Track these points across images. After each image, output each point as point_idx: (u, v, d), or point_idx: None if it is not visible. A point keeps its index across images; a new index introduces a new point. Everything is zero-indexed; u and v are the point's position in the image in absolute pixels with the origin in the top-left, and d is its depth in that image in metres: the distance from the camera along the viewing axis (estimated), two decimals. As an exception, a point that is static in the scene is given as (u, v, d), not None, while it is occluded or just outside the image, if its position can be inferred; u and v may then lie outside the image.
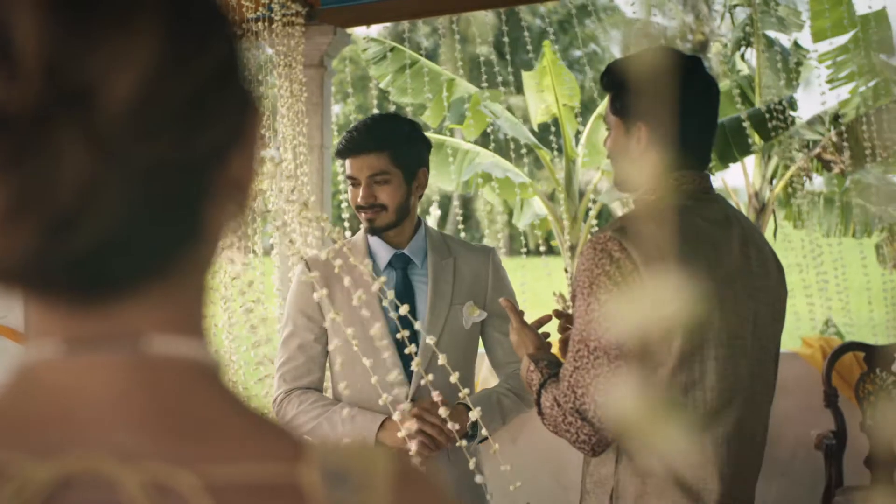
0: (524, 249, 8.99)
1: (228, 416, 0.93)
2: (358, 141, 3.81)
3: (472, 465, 3.51)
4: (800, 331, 9.34)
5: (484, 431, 3.64)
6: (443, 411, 3.62)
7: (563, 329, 3.25)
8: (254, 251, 5.48)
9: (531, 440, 6.52)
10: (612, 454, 2.92)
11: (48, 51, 0.84)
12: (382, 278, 3.36)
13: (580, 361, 2.83)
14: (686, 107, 2.96)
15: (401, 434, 3.68)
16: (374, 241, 3.89)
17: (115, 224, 0.85)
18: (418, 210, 3.94)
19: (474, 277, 3.88)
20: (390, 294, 3.62)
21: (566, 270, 8.62)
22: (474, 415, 3.55)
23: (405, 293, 3.83)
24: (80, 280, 0.88)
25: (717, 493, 2.93)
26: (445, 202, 31.50)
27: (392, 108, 8.60)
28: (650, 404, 2.90)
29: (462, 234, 8.31)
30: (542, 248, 8.48)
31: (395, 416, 3.58)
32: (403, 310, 3.30)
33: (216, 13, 0.94)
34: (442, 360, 3.54)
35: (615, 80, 3.05)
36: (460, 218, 8.53)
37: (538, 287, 11.69)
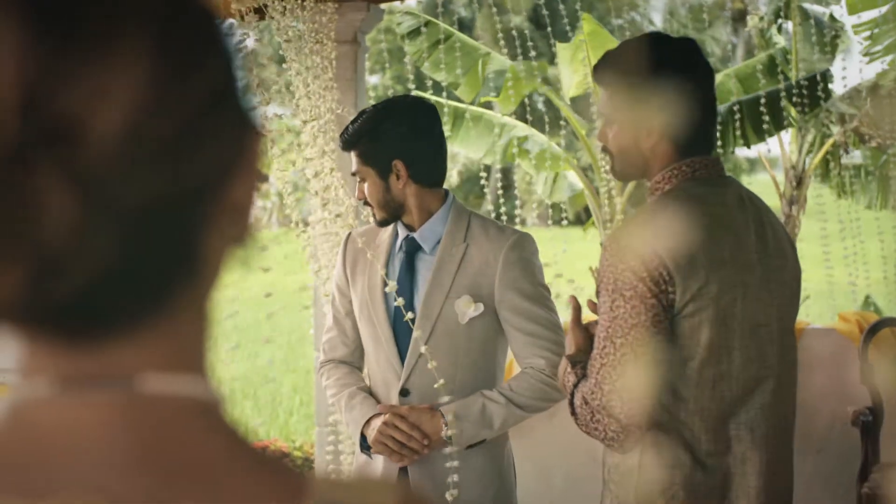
0: (563, 220, 8.99)
1: (226, 457, 0.90)
2: (340, 140, 3.85)
3: (450, 479, 3.53)
4: (836, 304, 9.29)
5: (453, 441, 3.62)
6: (401, 424, 3.66)
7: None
8: (295, 223, 5.50)
9: (568, 416, 6.50)
10: (637, 445, 2.91)
11: (28, 83, 0.79)
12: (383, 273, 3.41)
13: (606, 359, 2.81)
14: (689, 92, 2.94)
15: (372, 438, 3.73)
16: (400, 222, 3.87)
17: (104, 265, 0.82)
18: (438, 193, 3.82)
19: (483, 267, 3.74)
20: (391, 284, 3.64)
21: (602, 245, 8.58)
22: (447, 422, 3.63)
23: (406, 280, 3.80)
24: (71, 321, 0.85)
25: (749, 479, 2.93)
26: (485, 174, 31.45)
27: (428, 82, 8.55)
28: (677, 399, 2.90)
29: (501, 207, 8.28)
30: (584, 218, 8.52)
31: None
32: (399, 301, 3.30)
33: (211, 29, 0.90)
34: (431, 364, 3.58)
35: (613, 74, 3.02)
36: (500, 191, 8.50)
37: (574, 258, 11.67)
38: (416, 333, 3.73)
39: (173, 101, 0.84)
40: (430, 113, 3.85)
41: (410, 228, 3.82)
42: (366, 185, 3.79)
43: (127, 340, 0.87)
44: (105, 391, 0.87)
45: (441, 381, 3.60)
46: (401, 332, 3.78)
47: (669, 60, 2.94)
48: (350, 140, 3.79)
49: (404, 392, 3.76)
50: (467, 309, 3.70)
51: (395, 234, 3.88)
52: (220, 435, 0.91)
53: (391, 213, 3.80)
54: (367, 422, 3.77)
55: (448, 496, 3.63)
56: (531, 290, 3.73)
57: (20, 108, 0.79)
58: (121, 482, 0.85)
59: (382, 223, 3.84)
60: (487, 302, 3.71)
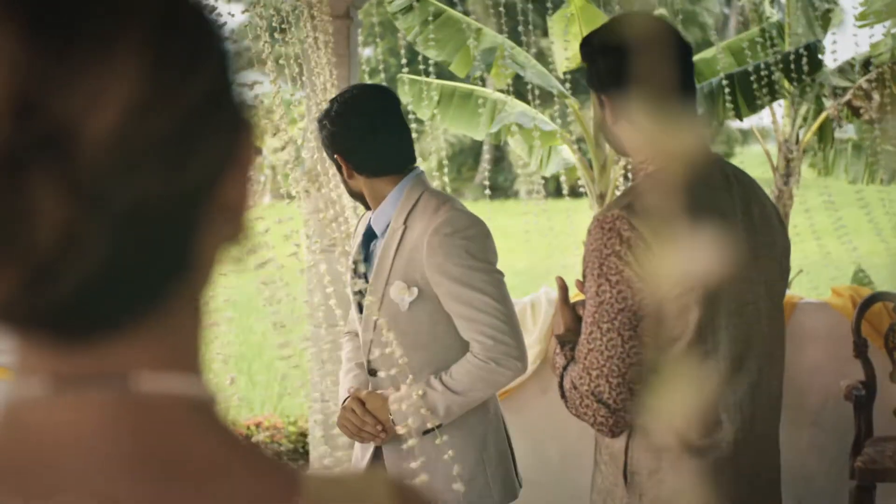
0: (542, 192, 8.99)
1: (220, 455, 0.90)
2: None
3: (415, 464, 3.55)
4: (830, 277, 9.29)
5: (401, 429, 3.63)
6: (357, 409, 3.78)
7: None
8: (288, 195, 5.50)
9: (560, 391, 6.50)
10: (626, 429, 2.92)
11: (21, 86, 0.80)
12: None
13: (593, 344, 2.81)
14: (654, 74, 2.93)
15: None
16: None
17: (98, 267, 0.82)
18: (391, 179, 3.81)
19: (413, 251, 3.71)
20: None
21: (588, 229, 8.56)
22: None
23: (363, 265, 3.84)
24: (65, 321, 0.85)
25: (740, 459, 2.93)
26: (477, 147, 31.41)
27: (421, 57, 8.53)
28: (664, 381, 2.90)
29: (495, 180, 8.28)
30: (582, 190, 8.53)
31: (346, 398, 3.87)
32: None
33: (206, 32, 0.90)
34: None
35: (586, 55, 3.04)
36: (491, 164, 8.49)
37: (567, 230, 11.67)
38: (363, 320, 3.82)
39: (167, 105, 0.84)
40: (367, 103, 3.84)
41: None
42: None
43: (121, 340, 0.88)
44: (99, 390, 0.87)
45: (395, 369, 3.61)
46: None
47: (634, 41, 2.94)
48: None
49: (372, 372, 3.84)
50: (403, 295, 3.70)
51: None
52: (215, 433, 0.91)
53: (359, 200, 3.90)
54: (345, 400, 3.88)
55: (418, 478, 3.65)
56: (459, 273, 3.65)
57: (14, 112, 0.79)
58: (114, 481, 0.85)
59: (366, 208, 3.93)
60: (423, 286, 3.70)
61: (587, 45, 3.05)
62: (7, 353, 0.90)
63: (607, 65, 2.96)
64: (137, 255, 0.84)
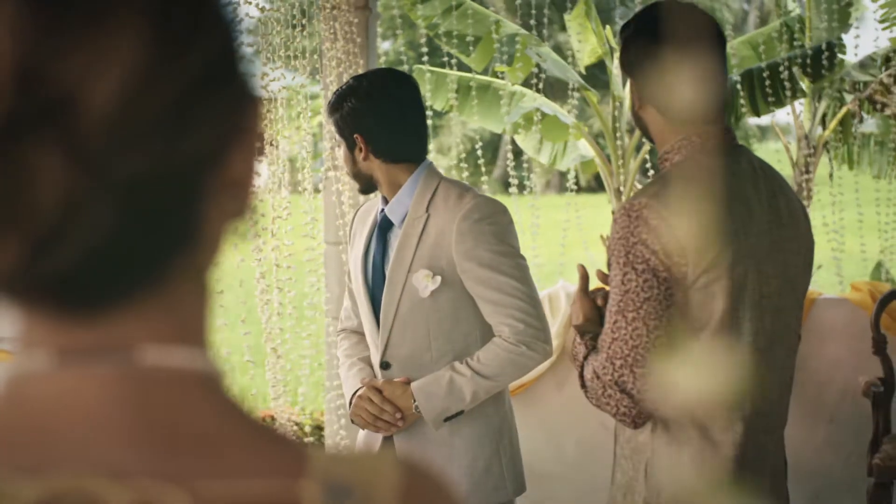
0: (574, 187, 8.98)
1: (226, 429, 0.89)
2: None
3: (429, 454, 3.52)
4: (853, 273, 9.25)
5: (423, 416, 3.66)
6: (374, 398, 3.74)
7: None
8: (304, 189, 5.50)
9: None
10: (649, 422, 2.90)
11: (23, 55, 0.80)
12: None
13: (618, 333, 2.79)
14: (691, 59, 2.92)
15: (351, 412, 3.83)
16: None
17: (101, 237, 0.82)
18: (407, 167, 3.81)
19: (439, 238, 3.70)
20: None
21: (613, 213, 8.55)
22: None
23: (379, 254, 3.83)
24: (68, 293, 0.85)
25: (761, 451, 2.93)
26: (496, 141, 31.41)
27: (441, 50, 8.53)
28: (687, 373, 2.89)
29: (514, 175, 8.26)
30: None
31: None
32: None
33: (209, 2, 0.89)
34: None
35: (621, 41, 3.05)
36: (511, 160, 8.47)
37: (585, 225, 11.67)
38: (382, 310, 3.78)
39: (168, 74, 0.84)
40: (396, 88, 3.83)
41: (386, 202, 3.84)
42: (343, 155, 3.87)
43: (125, 313, 0.88)
44: (104, 363, 0.87)
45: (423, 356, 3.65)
46: (378, 306, 3.83)
47: (664, 27, 2.94)
48: (328, 110, 3.87)
49: (384, 365, 3.82)
50: (427, 283, 3.68)
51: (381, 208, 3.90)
52: (220, 407, 0.91)
53: (363, 184, 3.86)
54: (355, 393, 3.84)
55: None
56: (488, 258, 3.65)
57: (15, 80, 0.79)
58: (120, 455, 0.85)
59: (362, 192, 3.92)
60: (448, 273, 3.69)
61: (624, 28, 3.06)
62: (9, 337, 0.90)
63: (637, 48, 2.96)
64: (141, 226, 0.84)
